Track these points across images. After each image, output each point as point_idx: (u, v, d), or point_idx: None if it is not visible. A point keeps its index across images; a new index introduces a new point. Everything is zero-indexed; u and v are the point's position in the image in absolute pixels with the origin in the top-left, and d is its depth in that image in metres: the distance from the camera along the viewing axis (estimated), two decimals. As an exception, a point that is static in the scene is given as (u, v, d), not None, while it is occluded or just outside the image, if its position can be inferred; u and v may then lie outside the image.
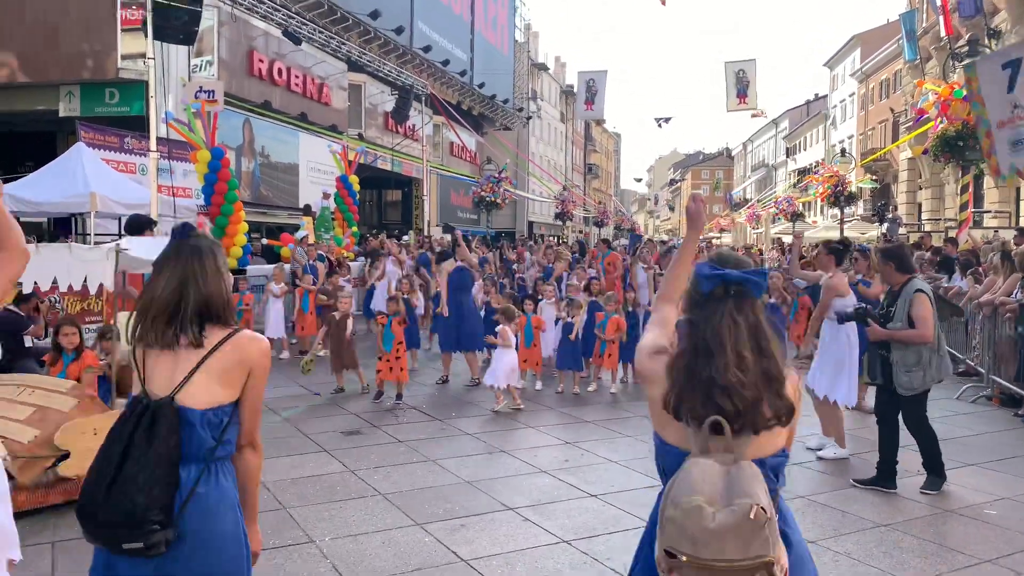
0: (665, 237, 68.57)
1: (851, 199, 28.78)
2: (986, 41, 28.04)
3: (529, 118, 45.12)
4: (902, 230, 24.12)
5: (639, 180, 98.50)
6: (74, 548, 4.51)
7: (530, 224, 49.88)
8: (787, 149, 64.22)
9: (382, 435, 7.15)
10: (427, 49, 32.63)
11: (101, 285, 5.95)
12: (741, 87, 31.52)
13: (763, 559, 1.69)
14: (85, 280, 5.69)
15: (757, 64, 32.38)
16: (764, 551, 1.69)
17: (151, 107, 12.57)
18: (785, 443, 1.96)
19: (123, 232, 13.74)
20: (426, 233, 25.12)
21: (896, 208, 27.94)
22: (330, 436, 7.10)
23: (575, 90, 40.73)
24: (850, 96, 50.65)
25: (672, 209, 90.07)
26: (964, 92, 12.61)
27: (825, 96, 56.44)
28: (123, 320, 6.41)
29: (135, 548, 2.21)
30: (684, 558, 1.67)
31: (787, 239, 38.91)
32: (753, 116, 37.81)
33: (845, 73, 51.37)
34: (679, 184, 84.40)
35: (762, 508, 1.69)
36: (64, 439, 5.10)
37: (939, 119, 13.10)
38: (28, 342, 9.06)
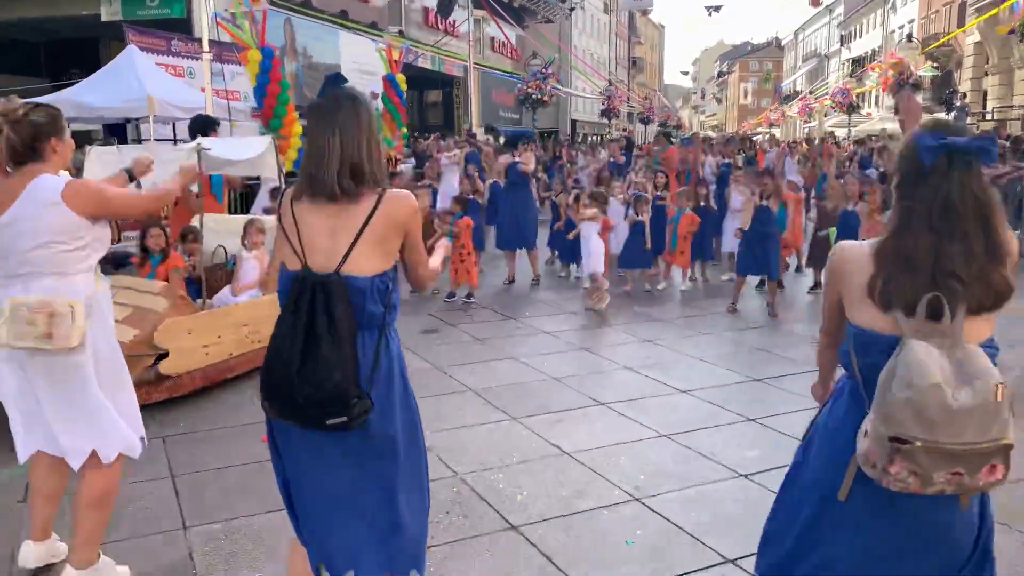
0: (712, 133, 66.69)
1: (916, 87, 27.42)
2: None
3: (572, 9, 43.34)
4: (970, 119, 23.02)
5: (686, 73, 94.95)
6: (184, 441, 4.63)
7: (573, 123, 48.75)
8: (841, 37, 61.15)
9: (461, 333, 7.17)
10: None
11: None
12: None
13: (1002, 442, 1.60)
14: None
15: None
16: (1003, 433, 1.60)
17: (200, 7, 12.23)
18: (991, 331, 1.83)
19: (182, 136, 13.77)
20: (471, 132, 24.66)
21: (965, 96, 26.51)
22: (410, 334, 7.14)
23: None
24: (913, -24, 47.63)
25: (719, 102, 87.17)
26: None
27: (885, -23, 53.11)
28: (207, 222, 6.43)
29: (339, 423, 2.26)
30: (918, 443, 1.57)
31: (840, 132, 37.53)
32: (815, 3, 35.74)
33: (909, -49, 48.15)
34: (726, 77, 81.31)
35: (1005, 386, 1.58)
36: (162, 338, 5.17)
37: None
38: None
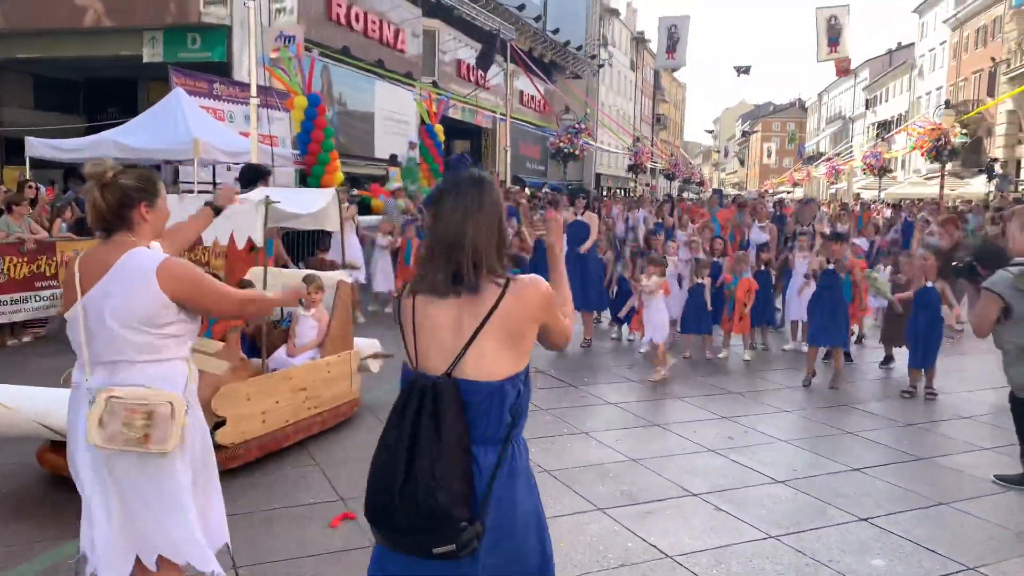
0: (732, 191, 66.71)
1: (953, 154, 27.18)
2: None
3: (601, 66, 43.76)
4: (1011, 187, 22.68)
5: (711, 132, 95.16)
6: (243, 524, 4.21)
7: (597, 176, 48.82)
8: (867, 101, 61.43)
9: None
10: (504, -8, 31.62)
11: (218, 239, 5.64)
12: (833, 35, 29.88)
13: None
14: (232, 235, 5.33)
15: (850, 10, 30.57)
16: None
17: (242, 51, 12.14)
18: None
19: (220, 178, 13.64)
20: (506, 184, 24.55)
21: (1006, 163, 26.17)
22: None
23: (654, 37, 39.28)
24: (940, 44, 47.88)
25: (742, 163, 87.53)
26: None
27: (911, 44, 53.53)
28: (260, 276, 6.09)
29: (447, 551, 1.95)
30: None
31: (866, 195, 37.21)
32: (841, 73, 35.62)
33: (936, 20, 48.47)
34: (749, 136, 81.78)
35: None
36: (220, 405, 4.80)
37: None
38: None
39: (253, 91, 11.72)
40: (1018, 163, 33.42)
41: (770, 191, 57.62)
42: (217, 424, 4.79)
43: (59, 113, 23.71)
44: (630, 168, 39.57)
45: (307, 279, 5.95)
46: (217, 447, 4.75)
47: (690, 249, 9.79)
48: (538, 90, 31.63)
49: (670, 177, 47.39)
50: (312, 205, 5.84)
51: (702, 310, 8.65)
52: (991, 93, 39.20)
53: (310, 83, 13.36)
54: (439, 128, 18.95)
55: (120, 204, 2.60)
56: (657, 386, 7.47)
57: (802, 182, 56.84)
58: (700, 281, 8.67)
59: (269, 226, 5.25)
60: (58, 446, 4.67)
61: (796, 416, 6.59)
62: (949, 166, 42.85)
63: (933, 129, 25.50)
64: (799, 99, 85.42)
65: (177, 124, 11.75)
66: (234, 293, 2.91)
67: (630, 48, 55.97)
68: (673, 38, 31.45)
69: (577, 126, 28.04)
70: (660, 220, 12.11)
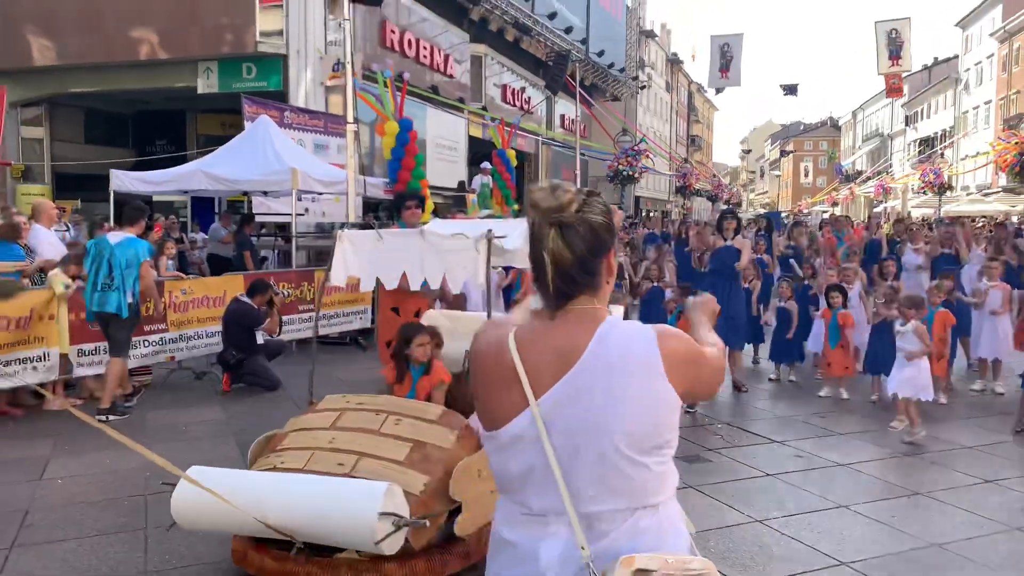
0: (762, 210, 65.59)
1: None
2: None
3: (643, 87, 43.06)
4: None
5: (747, 151, 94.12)
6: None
7: (637, 199, 47.98)
8: (906, 117, 60.27)
9: (738, 467, 5.76)
10: (552, 16, 31.06)
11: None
12: (894, 48, 29.02)
13: None
14: (444, 276, 4.45)
15: (910, 23, 29.71)
16: None
17: (347, 78, 11.41)
18: None
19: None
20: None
21: None
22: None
23: (700, 56, 38.43)
24: (988, 58, 46.78)
25: (778, 177, 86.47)
26: None
27: (954, 58, 52.46)
28: (436, 318, 5.21)
29: None
30: None
31: (918, 212, 35.95)
32: (892, 93, 34.45)
33: (983, 33, 47.42)
34: (788, 155, 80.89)
35: None
36: (459, 488, 3.88)
37: None
38: (259, 338, 8.11)
39: (349, 117, 10.95)
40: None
41: (804, 211, 56.49)
42: (454, 510, 3.89)
43: (108, 147, 23.29)
44: (678, 190, 38.63)
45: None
46: (453, 539, 3.87)
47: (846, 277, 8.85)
48: (593, 115, 30.55)
49: (713, 199, 46.39)
50: (522, 238, 4.95)
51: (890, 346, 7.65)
52: (1048, 106, 38.06)
53: (402, 107, 12.59)
54: (511, 153, 18.15)
55: (591, 251, 1.68)
56: (884, 437, 6.47)
57: (845, 200, 55.60)
58: (890, 318, 7.68)
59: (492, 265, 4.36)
60: (262, 543, 3.79)
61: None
62: (1003, 181, 41.73)
63: (1018, 143, 24.40)
64: (831, 117, 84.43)
65: (267, 153, 11.03)
66: (717, 357, 1.91)
67: (665, 70, 55.35)
68: (726, 57, 30.70)
69: (636, 148, 27.18)
70: (793, 244, 11.15)
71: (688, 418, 7.04)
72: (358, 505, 3.43)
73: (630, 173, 26.47)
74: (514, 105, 31.88)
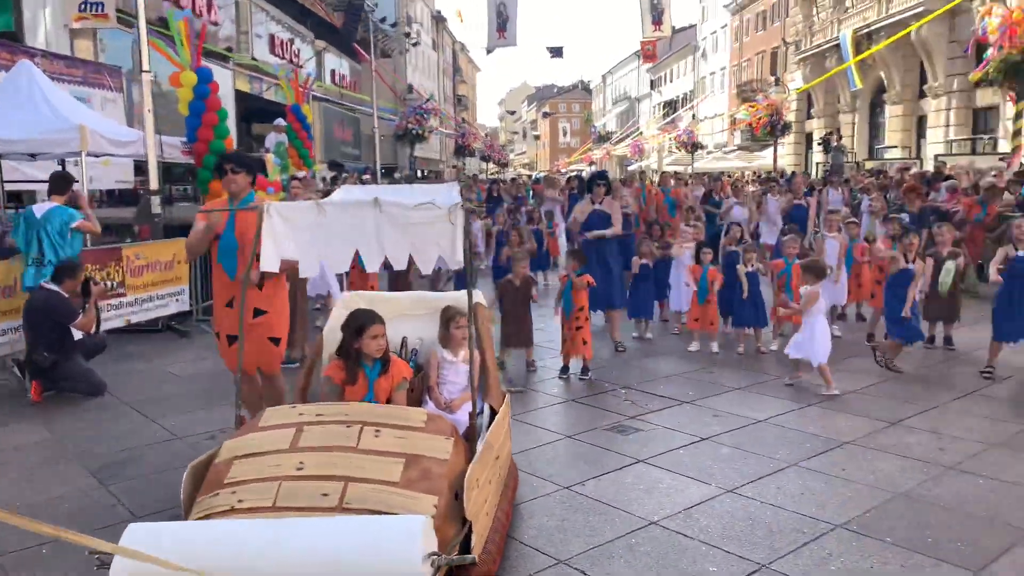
0: (524, 172, 67.89)
1: (786, 128, 29.02)
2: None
3: (416, 43, 42.15)
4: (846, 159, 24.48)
5: (512, 112, 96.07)
6: None
7: (412, 160, 47.27)
8: (651, 81, 64.92)
9: (671, 433, 5.60)
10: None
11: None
12: (656, 14, 30.77)
13: None
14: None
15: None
16: None
17: (139, 18, 9.63)
18: None
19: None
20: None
21: (841, 137, 28.16)
22: (599, 434, 5.52)
23: (475, 16, 38.16)
24: (722, 28, 51.43)
25: (537, 138, 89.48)
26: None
27: (693, 26, 57.09)
28: (357, 300, 4.45)
29: None
30: None
31: (673, 170, 39.00)
32: (649, 58, 37.00)
33: (717, 5, 51.97)
34: (549, 116, 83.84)
35: None
36: (473, 505, 3.27)
37: (999, 44, 12.74)
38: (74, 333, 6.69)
39: (145, 64, 9.25)
40: (809, 136, 36.63)
41: (563, 170, 59.30)
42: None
43: None
44: (457, 150, 38.53)
45: (448, 312, 4.39)
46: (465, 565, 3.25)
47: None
48: (378, 74, 29.10)
49: (486, 159, 46.99)
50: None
51: (753, 299, 7.96)
52: (773, 72, 42.68)
53: (199, 56, 10.93)
54: (307, 109, 16.76)
55: None
56: (783, 390, 6.64)
57: (603, 159, 58.96)
58: (751, 268, 7.97)
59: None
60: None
61: (941, 410, 6.05)
62: (738, 140, 46.40)
63: (768, 105, 26.97)
64: (581, 81, 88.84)
65: (39, 108, 9.06)
66: None
67: (432, 27, 54.70)
68: (503, 17, 30.77)
69: (424, 107, 26.49)
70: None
71: (588, 385, 6.83)
72: (391, 551, 2.69)
73: (419, 132, 25.73)
74: (283, 58, 29.78)
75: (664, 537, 3.95)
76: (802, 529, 4.04)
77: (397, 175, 28.50)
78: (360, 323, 3.81)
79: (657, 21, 30.77)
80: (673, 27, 64.58)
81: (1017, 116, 13.49)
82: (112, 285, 8.13)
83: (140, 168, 14.50)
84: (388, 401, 3.90)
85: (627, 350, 8.15)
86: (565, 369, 7.18)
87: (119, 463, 5.08)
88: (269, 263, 3.64)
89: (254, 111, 29.71)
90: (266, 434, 3.45)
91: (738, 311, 8.04)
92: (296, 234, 3.68)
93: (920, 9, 24.43)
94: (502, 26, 30.92)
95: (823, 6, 34.25)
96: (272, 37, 29.54)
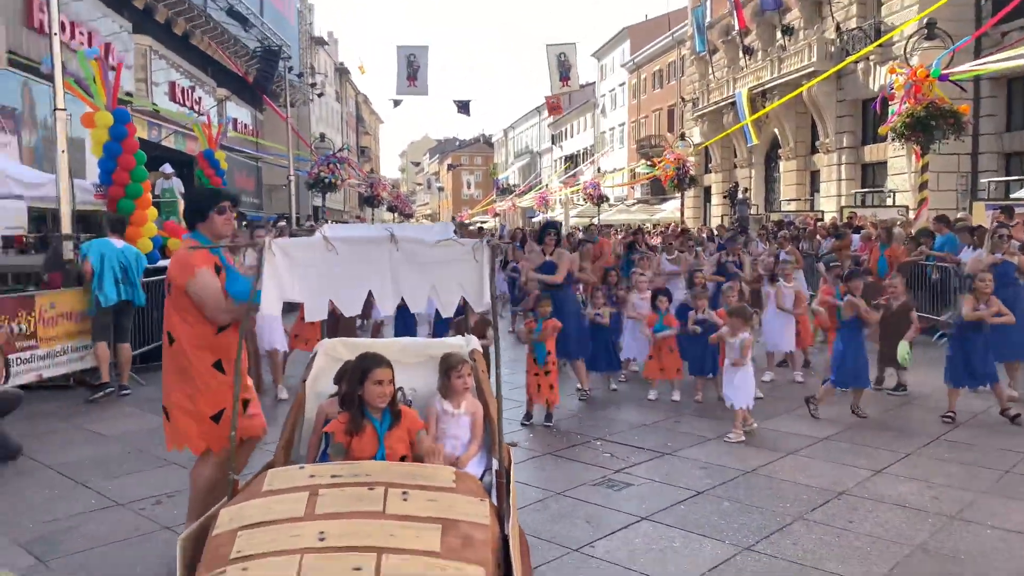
0: (428, 223, 67.62)
1: (693, 181, 29.95)
2: (779, 37, 30.63)
3: (321, 94, 41.59)
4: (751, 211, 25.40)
5: (417, 163, 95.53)
6: None
7: (315, 208, 46.21)
8: (552, 136, 66.35)
9: (664, 488, 5.33)
10: (230, 12, 28.47)
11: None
12: (563, 70, 31.44)
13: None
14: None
15: (576, 48, 32.43)
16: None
17: (54, 57, 8.87)
18: None
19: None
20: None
21: (747, 190, 29.21)
22: (589, 489, 5.20)
23: (379, 67, 38.01)
24: (620, 85, 53.27)
25: (441, 190, 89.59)
26: (940, 71, 13.19)
27: (593, 83, 58.86)
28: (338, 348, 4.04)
29: None
30: None
31: (578, 222, 39.69)
32: (553, 111, 37.94)
33: (615, 63, 53.89)
34: (453, 168, 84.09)
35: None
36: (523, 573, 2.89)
37: (904, 101, 13.52)
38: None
39: (60, 102, 8.50)
40: (708, 189, 38.08)
41: (467, 221, 59.51)
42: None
43: None
44: (366, 200, 37.92)
45: (450, 359, 4.00)
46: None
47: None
48: (288, 123, 27.99)
49: (392, 209, 46.57)
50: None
51: (707, 347, 7.85)
52: (671, 129, 44.41)
53: (115, 95, 10.21)
54: (220, 154, 16.04)
55: None
56: (753, 440, 6.49)
57: (509, 211, 59.47)
58: (701, 314, 7.90)
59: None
60: None
61: (912, 458, 6.06)
62: (638, 194, 47.83)
63: (676, 159, 27.82)
64: (483, 134, 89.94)
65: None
66: None
67: (335, 79, 54.27)
68: (413, 66, 30.71)
69: (338, 156, 25.94)
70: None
71: (558, 436, 6.50)
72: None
73: (332, 181, 25.13)
74: (183, 105, 28.71)
75: (699, 603, 3.66)
76: (837, 586, 3.83)
77: (309, 224, 27.64)
78: (365, 366, 3.39)
79: (565, 77, 31.44)
80: (581, 84, 66.92)
81: (923, 169, 14.34)
82: (23, 330, 7.27)
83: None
84: (403, 458, 3.47)
85: (588, 399, 7.89)
86: (528, 416, 6.88)
87: (53, 535, 4.40)
88: (269, 305, 3.19)
89: (153, 158, 28.43)
90: (273, 499, 2.97)
91: (694, 359, 7.94)
92: (304, 273, 3.26)
93: (811, 70, 25.93)
94: (412, 75, 30.82)
95: (719, 65, 35.99)
96: (173, 84, 28.52)
